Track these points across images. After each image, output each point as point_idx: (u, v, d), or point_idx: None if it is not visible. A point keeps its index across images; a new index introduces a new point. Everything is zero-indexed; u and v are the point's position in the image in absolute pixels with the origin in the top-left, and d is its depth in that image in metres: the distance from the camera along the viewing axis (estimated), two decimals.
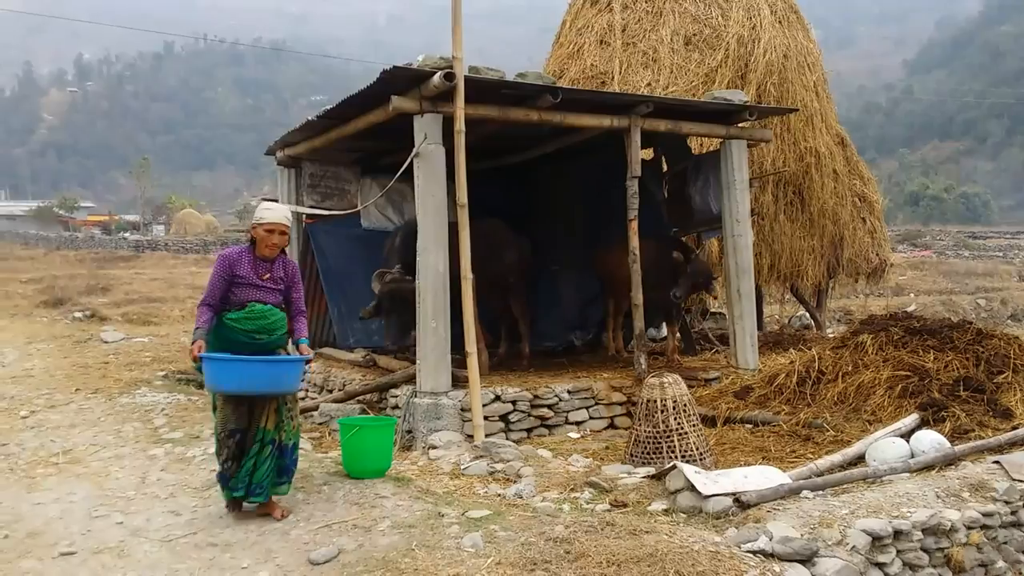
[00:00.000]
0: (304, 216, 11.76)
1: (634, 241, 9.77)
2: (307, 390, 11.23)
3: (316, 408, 9.70)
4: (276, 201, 12.25)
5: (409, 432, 8.48)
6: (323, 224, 11.77)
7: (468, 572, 4.52)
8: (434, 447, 7.70)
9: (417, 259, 8.64)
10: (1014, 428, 7.17)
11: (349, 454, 6.32)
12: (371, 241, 11.21)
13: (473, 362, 8.31)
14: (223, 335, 5.58)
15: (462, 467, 6.98)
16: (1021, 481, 6.19)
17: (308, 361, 5.81)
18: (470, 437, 8.08)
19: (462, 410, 8.46)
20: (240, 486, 5.60)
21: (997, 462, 6.45)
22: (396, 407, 9.02)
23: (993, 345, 8.29)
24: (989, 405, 7.65)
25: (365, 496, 5.69)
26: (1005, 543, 5.87)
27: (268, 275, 5.66)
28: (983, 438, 7.00)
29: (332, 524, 5.20)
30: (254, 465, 5.60)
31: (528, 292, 11.45)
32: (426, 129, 8.49)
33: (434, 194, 8.63)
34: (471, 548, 4.87)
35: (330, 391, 10.43)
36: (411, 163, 8.66)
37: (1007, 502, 5.99)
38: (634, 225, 9.78)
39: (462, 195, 8.34)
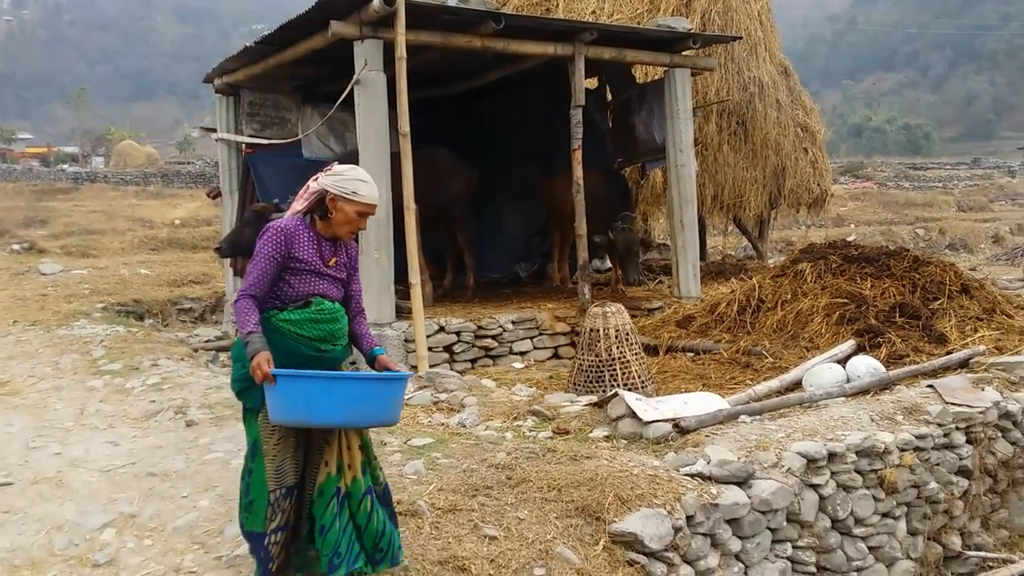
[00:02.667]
0: (244, 146, 11.50)
1: (578, 171, 9.73)
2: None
3: None
4: (215, 131, 11.98)
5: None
6: (264, 154, 11.51)
7: (410, 499, 4.53)
8: None
9: None
10: (948, 353, 7.35)
11: None
12: (313, 171, 11.01)
13: (417, 293, 8.26)
14: (274, 344, 3.72)
15: (406, 397, 6.97)
16: (954, 404, 6.36)
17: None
18: (414, 368, 8.08)
19: (406, 341, 8.45)
20: (338, 562, 3.76)
21: (931, 386, 6.61)
22: None
23: (929, 272, 8.43)
24: (924, 331, 7.81)
25: None
26: (937, 465, 6.04)
27: (334, 259, 3.97)
28: (918, 363, 7.16)
29: None
30: (349, 524, 3.83)
31: (473, 223, 11.38)
32: (366, 55, 8.29)
33: (375, 123, 8.48)
34: (413, 475, 4.89)
35: None
36: (352, 91, 8.47)
37: (940, 425, 6.14)
38: (578, 155, 9.73)
39: (404, 123, 8.21)
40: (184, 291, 14.40)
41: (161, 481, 5.04)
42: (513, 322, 9.48)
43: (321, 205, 3.85)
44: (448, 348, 9.03)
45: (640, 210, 14.02)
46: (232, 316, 3.58)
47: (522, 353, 9.49)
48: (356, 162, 8.65)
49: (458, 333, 9.11)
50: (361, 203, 3.86)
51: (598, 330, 7.48)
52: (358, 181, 3.88)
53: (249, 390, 3.77)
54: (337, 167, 3.89)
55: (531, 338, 9.60)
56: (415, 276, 8.25)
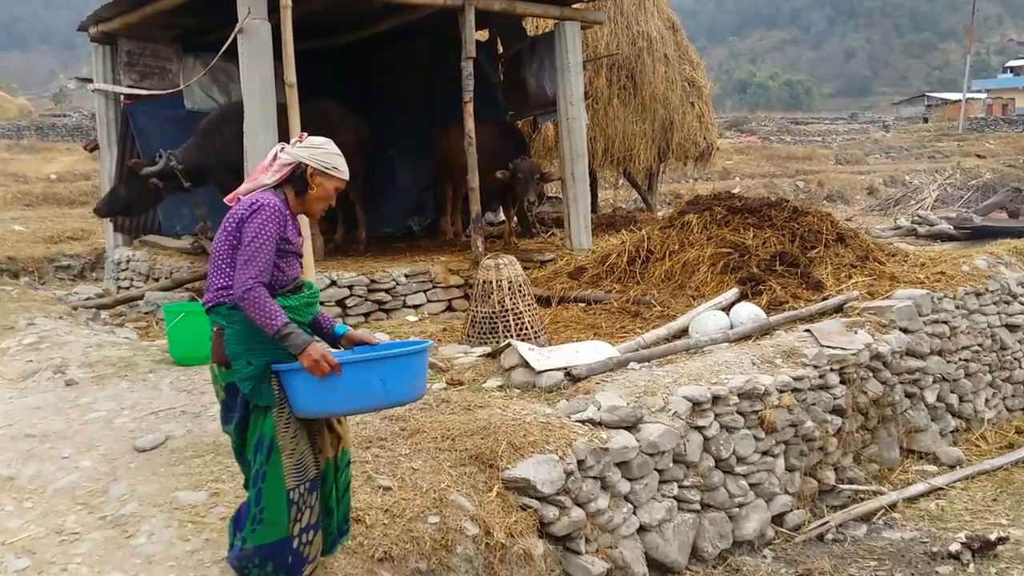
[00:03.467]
0: (122, 97, 11.05)
1: (469, 124, 9.69)
2: (132, 279, 10.78)
3: (141, 297, 9.32)
4: (91, 81, 11.46)
5: None
6: (143, 105, 11.08)
7: None
8: None
9: (245, 141, 8.30)
10: (824, 299, 7.67)
11: (175, 341, 6.11)
12: (195, 123, 10.67)
13: (307, 247, 8.13)
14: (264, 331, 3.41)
15: None
16: (829, 347, 6.66)
17: None
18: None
19: None
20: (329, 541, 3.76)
21: (808, 330, 6.91)
22: None
23: (807, 222, 8.75)
24: (802, 278, 8.12)
25: (194, 383, 5.54)
26: (813, 404, 6.34)
27: (300, 237, 3.72)
28: (796, 309, 7.45)
29: (159, 411, 5.05)
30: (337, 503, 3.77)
31: (365, 177, 11.24)
32: (249, 3, 8.05)
33: (260, 72, 8.25)
34: None
35: (156, 279, 10.02)
36: (235, 40, 8.21)
37: (816, 367, 6.44)
38: (469, 107, 9.69)
39: (290, 74, 7.96)
40: (62, 248, 13.85)
41: (40, 442, 4.87)
42: (406, 275, 9.45)
43: (299, 180, 3.56)
44: (340, 302, 8.95)
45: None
46: (252, 310, 3.31)
47: (416, 306, 9.48)
48: (240, 112, 8.43)
49: (350, 287, 9.03)
50: (340, 178, 3.65)
51: (491, 282, 7.53)
52: (336, 155, 3.64)
53: (261, 386, 3.44)
54: (309, 139, 3.62)
55: (425, 291, 9.59)
56: (305, 230, 8.09)
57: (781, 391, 6.07)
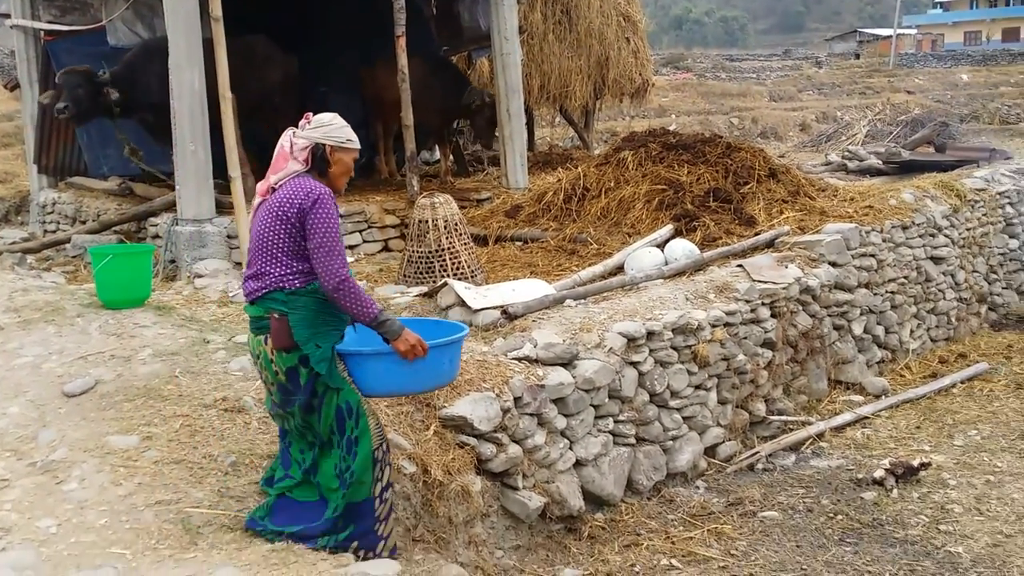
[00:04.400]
0: (43, 33, 10.59)
1: (402, 59, 9.48)
2: (58, 222, 10.47)
3: (68, 240, 9.06)
4: (8, 17, 10.96)
5: (172, 262, 8.13)
6: (65, 42, 10.61)
7: (236, 395, 4.47)
8: (200, 276, 7.44)
9: (170, 77, 8.04)
10: (756, 234, 7.78)
11: (103, 284, 5.95)
12: (120, 60, 10.29)
13: (238, 187, 7.95)
14: (326, 315, 3.63)
15: (230, 294, 6.80)
16: (760, 282, 6.78)
17: None
18: (238, 264, 7.84)
19: (228, 237, 8.16)
20: None
21: (740, 265, 7.01)
22: (157, 236, 8.58)
23: (740, 158, 8.82)
24: (735, 214, 8.21)
25: (123, 326, 5.42)
26: (745, 338, 6.46)
27: None
28: (729, 244, 7.55)
29: (88, 356, 4.93)
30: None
31: (296, 114, 10.97)
32: None
33: (185, 6, 7.97)
34: (239, 372, 4.80)
35: (83, 222, 9.74)
36: None
37: (747, 301, 6.55)
38: (402, 42, 9.47)
39: (216, 7, 7.73)
40: None
41: None
42: (341, 216, 9.29)
43: (321, 161, 3.67)
44: None
45: None
46: (348, 300, 3.51)
47: (351, 247, 9.34)
48: (166, 48, 8.15)
49: None
50: (355, 148, 3.77)
51: (427, 221, 7.47)
52: (346, 127, 3.76)
53: (332, 368, 3.60)
54: (316, 118, 3.72)
55: (360, 231, 9.46)
56: (235, 169, 7.91)
57: (714, 326, 6.17)
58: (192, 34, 8.01)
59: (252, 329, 3.67)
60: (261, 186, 3.71)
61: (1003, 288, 9.74)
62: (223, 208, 8.34)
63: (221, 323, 5.96)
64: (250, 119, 9.79)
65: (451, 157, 11.99)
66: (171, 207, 8.46)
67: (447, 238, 7.42)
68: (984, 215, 9.41)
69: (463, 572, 3.74)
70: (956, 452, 6.29)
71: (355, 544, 3.65)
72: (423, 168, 12.03)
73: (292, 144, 3.67)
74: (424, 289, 6.70)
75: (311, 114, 3.75)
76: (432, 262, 7.37)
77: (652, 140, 9.29)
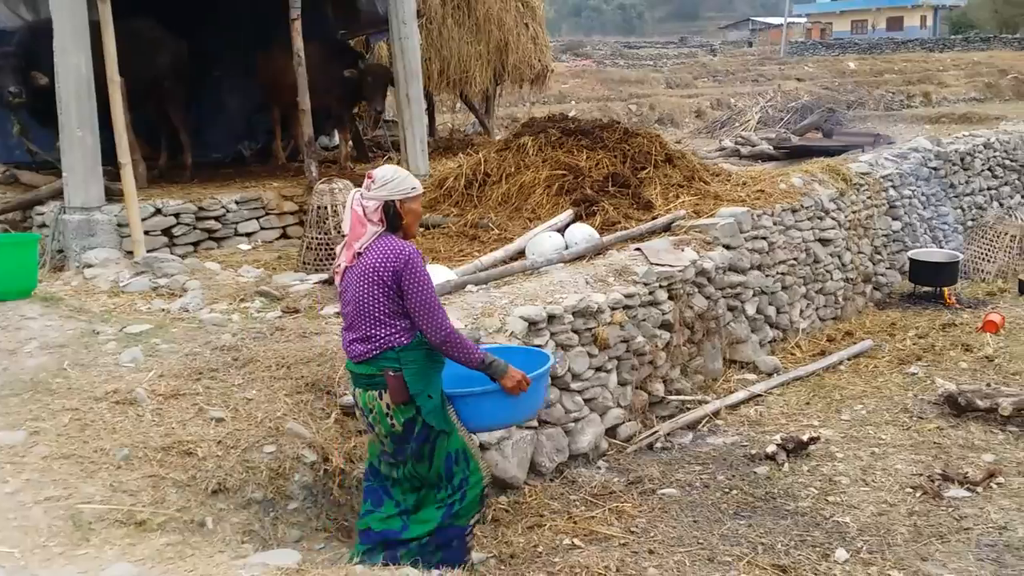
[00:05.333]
0: None
1: (298, 42, 9.31)
2: None
3: None
4: None
5: (60, 252, 7.83)
6: None
7: (127, 387, 4.35)
8: (89, 265, 7.18)
9: (55, 61, 7.72)
10: (654, 218, 7.92)
11: None
12: (2, 42, 9.83)
13: (128, 174, 7.72)
14: (433, 363, 3.88)
15: (121, 284, 6.59)
16: (658, 265, 6.91)
17: None
18: (130, 253, 7.61)
19: (119, 225, 7.90)
20: None
21: (638, 249, 7.13)
22: (44, 225, 8.24)
23: (638, 143, 8.96)
24: (634, 198, 8.35)
25: (8, 319, 5.22)
26: (644, 320, 6.58)
27: None
28: (628, 228, 7.67)
29: None
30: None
31: (188, 99, 10.67)
32: None
33: None
34: (130, 363, 4.67)
35: None
36: None
37: (646, 284, 6.67)
38: (297, 25, 9.30)
39: None
40: None
41: None
42: (237, 202, 9.11)
43: (395, 217, 3.81)
44: (167, 231, 8.56)
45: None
46: (455, 350, 3.77)
47: (249, 234, 9.17)
48: (51, 29, 7.82)
49: (177, 215, 8.64)
50: (421, 194, 3.94)
51: (326, 207, 7.38)
52: (408, 176, 3.90)
53: (443, 415, 3.88)
54: (377, 177, 3.83)
55: (257, 218, 9.28)
56: (124, 156, 7.68)
57: (613, 308, 6.27)
58: (78, 16, 7.71)
59: (362, 385, 3.83)
60: (346, 253, 3.85)
61: (886, 268, 10.15)
62: (113, 195, 8.07)
63: (112, 314, 5.78)
64: (140, 104, 9.49)
65: (351, 142, 11.85)
66: (58, 195, 8.14)
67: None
68: (868, 198, 9.78)
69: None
70: (843, 426, 6.55)
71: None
72: (322, 153, 11.86)
73: (364, 208, 3.80)
74: (324, 276, 6.63)
75: (373, 173, 3.84)
76: (332, 248, 7.28)
77: (552, 126, 9.36)
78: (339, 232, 7.27)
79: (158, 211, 8.47)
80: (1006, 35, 56.91)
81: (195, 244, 8.76)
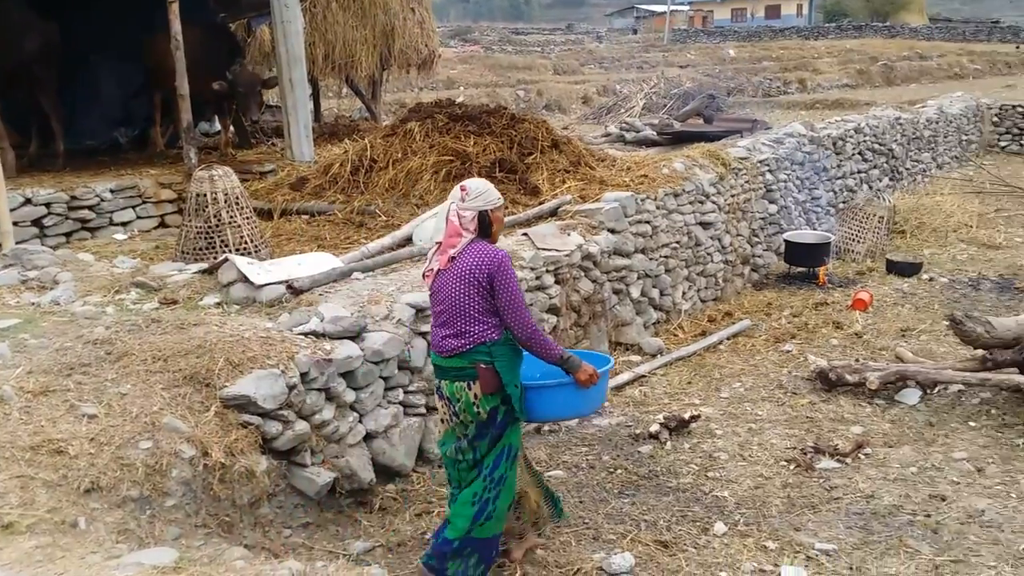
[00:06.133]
0: None
1: (176, 25, 9.04)
2: None
3: None
4: None
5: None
6: None
7: None
8: None
9: None
10: (541, 203, 8.00)
11: None
12: None
13: None
14: (517, 358, 4.25)
15: None
16: (545, 250, 6.97)
17: None
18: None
19: None
20: None
21: (525, 234, 7.18)
22: None
23: (524, 129, 9.02)
24: (521, 183, 8.41)
25: None
26: (531, 304, 6.63)
27: None
28: (515, 214, 7.71)
29: None
30: None
31: (60, 85, 10.22)
32: None
33: None
34: None
35: None
36: None
37: (532, 269, 6.72)
38: (175, 8, 9.03)
39: None
40: None
41: None
42: (112, 191, 8.81)
43: (487, 226, 4.17)
44: (37, 222, 8.22)
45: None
46: (538, 346, 4.14)
47: (125, 224, 8.88)
48: None
49: (48, 205, 8.30)
50: (503, 204, 4.30)
51: (205, 195, 7.19)
52: (492, 188, 4.23)
53: (521, 404, 4.23)
54: (471, 189, 4.14)
55: (134, 207, 8.99)
56: None
57: None
58: None
59: (449, 377, 4.17)
60: (440, 258, 4.17)
61: (764, 250, 10.49)
62: None
63: None
64: (7, 90, 9.06)
65: (232, 128, 11.56)
66: None
67: (227, 212, 7.17)
68: (747, 182, 10.09)
69: (248, 554, 3.64)
70: (723, 404, 6.76)
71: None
72: (202, 140, 11.54)
73: (460, 217, 4.12)
74: (204, 266, 6.45)
75: (466, 185, 4.16)
76: (212, 237, 7.11)
77: (438, 111, 9.33)
78: (219, 221, 7.11)
79: (28, 201, 8.13)
80: (877, 23, 59.41)
81: (68, 235, 8.45)
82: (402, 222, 7.77)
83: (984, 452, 5.75)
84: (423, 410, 5.65)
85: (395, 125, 9.55)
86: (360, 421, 5.20)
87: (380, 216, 8.14)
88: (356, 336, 5.25)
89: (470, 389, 4.12)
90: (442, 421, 4.44)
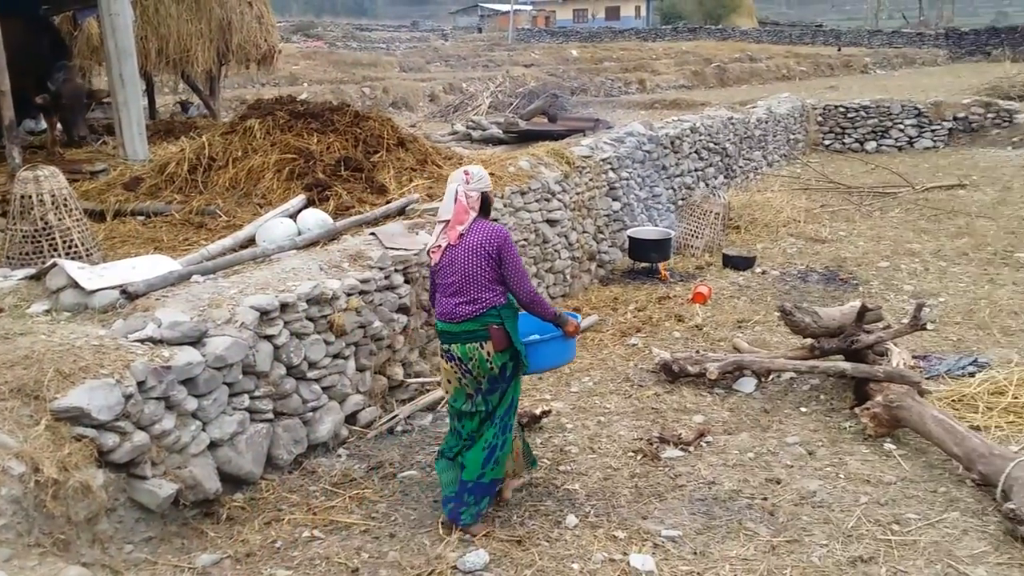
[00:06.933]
0: None
1: None
2: None
3: None
4: None
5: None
6: None
7: None
8: None
9: None
10: (388, 202, 7.92)
11: None
12: None
13: None
14: (517, 320, 4.92)
15: None
16: (393, 249, 6.91)
17: None
18: None
19: None
20: None
21: (373, 233, 7.10)
22: None
23: (370, 126, 8.92)
24: (367, 182, 8.31)
25: None
26: (380, 305, 6.56)
27: None
28: (362, 213, 7.62)
29: None
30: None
31: None
32: None
33: None
34: None
35: None
36: None
37: (381, 268, 6.65)
38: None
39: None
40: None
41: None
42: None
43: (488, 206, 4.93)
44: None
45: (77, 65, 12.71)
46: (538, 308, 4.86)
47: None
48: None
49: None
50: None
51: (31, 196, 6.74)
52: (486, 172, 4.98)
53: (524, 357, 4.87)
54: (473, 174, 4.83)
55: None
56: None
57: (349, 294, 6.21)
58: None
59: (461, 340, 4.73)
60: (449, 234, 4.76)
61: (609, 247, 10.76)
62: None
63: None
64: None
65: (59, 126, 10.93)
66: None
67: (55, 214, 6.76)
68: (591, 180, 10.32)
69: (85, 572, 3.46)
70: (573, 398, 6.89)
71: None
72: (26, 138, 10.88)
73: (468, 197, 4.78)
74: (31, 271, 6.07)
75: (470, 170, 4.84)
76: (39, 241, 6.68)
77: (280, 108, 9.11)
78: (46, 223, 6.71)
79: None
80: (710, 26, 61.98)
81: None
82: (244, 222, 7.55)
83: (815, 436, 6.09)
84: (271, 415, 5.50)
85: (234, 122, 9.26)
86: (204, 429, 5.01)
87: (221, 216, 7.88)
88: (197, 342, 5.06)
89: (483, 348, 4.71)
90: (448, 382, 4.97)
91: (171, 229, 7.79)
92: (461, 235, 4.72)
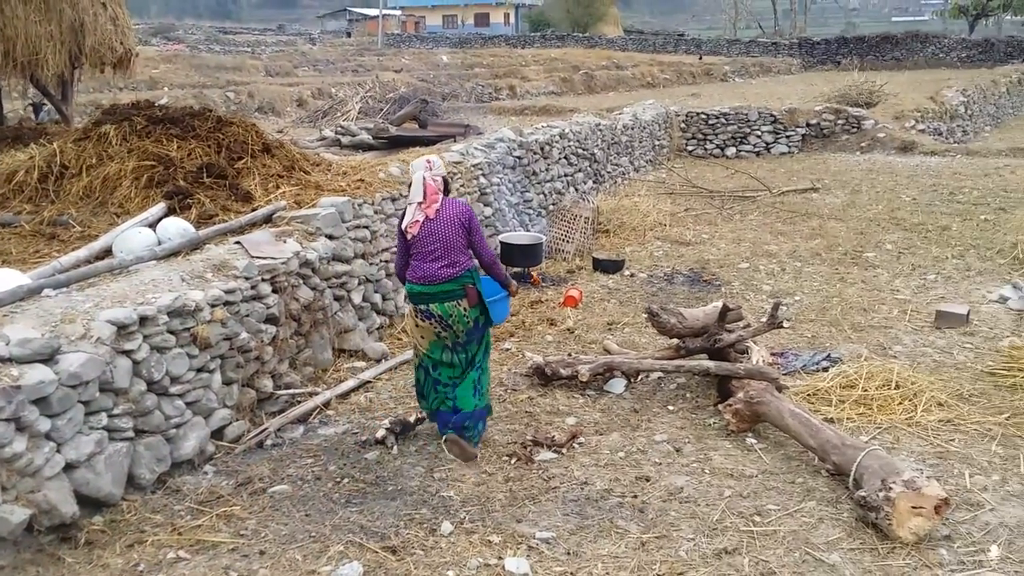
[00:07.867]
0: None
1: None
2: None
3: None
4: None
5: None
6: None
7: None
8: None
9: None
10: (254, 210, 7.72)
11: None
12: None
13: None
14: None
15: None
16: (259, 258, 6.74)
17: None
18: None
19: None
20: None
21: (238, 242, 6.90)
22: None
23: (233, 132, 8.67)
24: (231, 190, 8.07)
25: None
26: (247, 316, 6.38)
27: None
28: (226, 221, 7.41)
29: None
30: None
31: None
32: None
33: None
34: None
35: None
36: None
37: (247, 278, 6.47)
38: None
39: None
40: None
41: None
42: None
43: (448, 186, 5.91)
44: None
45: None
46: (498, 268, 6.12)
47: None
48: None
49: None
50: None
51: None
52: (442, 160, 6.18)
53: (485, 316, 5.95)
54: (435, 163, 5.85)
55: None
56: None
57: (213, 305, 6.01)
58: None
59: (441, 299, 5.65)
60: (425, 211, 5.67)
61: None
62: None
63: None
64: None
65: None
66: None
67: None
68: (462, 186, 10.32)
69: None
70: None
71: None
72: None
73: (434, 181, 5.76)
74: None
75: (431, 159, 5.87)
76: None
77: (137, 113, 8.76)
78: None
79: None
80: (577, 34, 63.08)
81: None
82: (100, 232, 7.23)
83: (681, 433, 6.26)
84: (131, 434, 5.27)
85: (88, 128, 8.85)
86: (58, 451, 4.75)
87: (74, 227, 7.54)
88: (49, 359, 4.81)
89: (459, 305, 5.66)
90: (422, 338, 5.89)
91: (20, 241, 7.38)
92: (437, 211, 5.64)
